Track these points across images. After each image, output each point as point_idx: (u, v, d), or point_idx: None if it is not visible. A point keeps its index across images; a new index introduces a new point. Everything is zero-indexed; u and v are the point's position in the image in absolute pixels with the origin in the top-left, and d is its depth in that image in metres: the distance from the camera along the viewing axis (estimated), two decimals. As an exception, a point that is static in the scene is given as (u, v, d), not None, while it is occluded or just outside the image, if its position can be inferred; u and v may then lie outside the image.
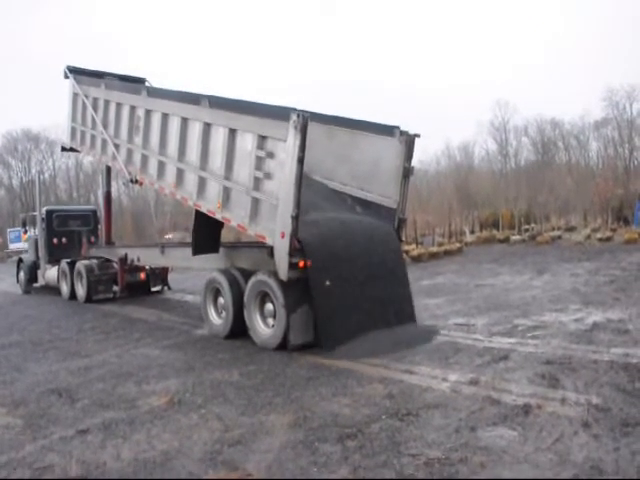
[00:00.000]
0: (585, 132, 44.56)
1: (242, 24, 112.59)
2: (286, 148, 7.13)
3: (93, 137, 12.95)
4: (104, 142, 12.32)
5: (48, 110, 64.86)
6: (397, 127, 8.84)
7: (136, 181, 11.16)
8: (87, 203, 45.07)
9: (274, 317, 7.83)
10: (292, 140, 7.02)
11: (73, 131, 13.96)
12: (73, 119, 13.82)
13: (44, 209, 16.84)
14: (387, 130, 8.94)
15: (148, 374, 6.84)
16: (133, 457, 4.36)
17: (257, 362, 7.13)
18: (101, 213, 16.97)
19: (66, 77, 13.58)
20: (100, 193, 20.73)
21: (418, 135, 8.76)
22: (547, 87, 76.51)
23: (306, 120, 6.97)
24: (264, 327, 8.10)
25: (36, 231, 17.02)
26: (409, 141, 8.72)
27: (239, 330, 8.46)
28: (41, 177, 43.53)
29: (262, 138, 7.59)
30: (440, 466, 3.87)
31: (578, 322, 8.31)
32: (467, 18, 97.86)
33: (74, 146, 14.24)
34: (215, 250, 9.50)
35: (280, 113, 7.30)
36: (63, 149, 15.39)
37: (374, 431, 4.58)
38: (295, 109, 7.19)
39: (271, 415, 5.14)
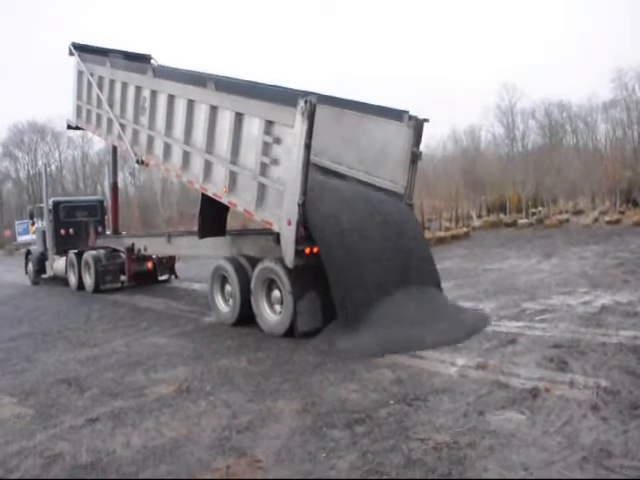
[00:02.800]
0: (593, 114, 44.20)
1: (240, 20, 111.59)
2: (293, 134, 7.08)
3: (99, 116, 12.88)
4: (110, 121, 12.24)
5: (53, 101, 64.91)
6: (406, 112, 8.77)
7: (142, 162, 11.13)
8: (94, 194, 45.12)
9: (281, 304, 7.83)
10: (299, 126, 6.96)
11: (78, 109, 13.88)
12: (78, 97, 13.72)
13: (51, 200, 16.86)
14: (396, 114, 8.87)
15: (156, 362, 6.88)
16: (142, 445, 4.39)
17: (265, 349, 7.16)
18: (108, 203, 17.00)
19: (71, 54, 13.47)
20: (106, 184, 20.74)
21: (427, 120, 8.68)
22: (554, 69, 75.70)
23: (314, 107, 6.90)
24: (271, 314, 8.11)
25: (43, 223, 17.09)
26: (418, 126, 8.64)
27: (246, 317, 8.48)
28: (48, 169, 43.53)
29: (269, 123, 7.54)
30: (448, 450, 3.87)
31: (586, 305, 8.27)
32: (472, 1, 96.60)
33: (80, 124, 14.16)
34: (221, 233, 9.52)
35: (287, 98, 7.24)
36: (69, 127, 15.19)
37: (382, 416, 4.59)
38: (303, 93, 7.13)
39: (279, 401, 5.15)
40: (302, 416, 4.74)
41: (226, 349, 7.36)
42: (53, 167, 53.65)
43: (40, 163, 51.42)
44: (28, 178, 54.30)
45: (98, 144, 52.30)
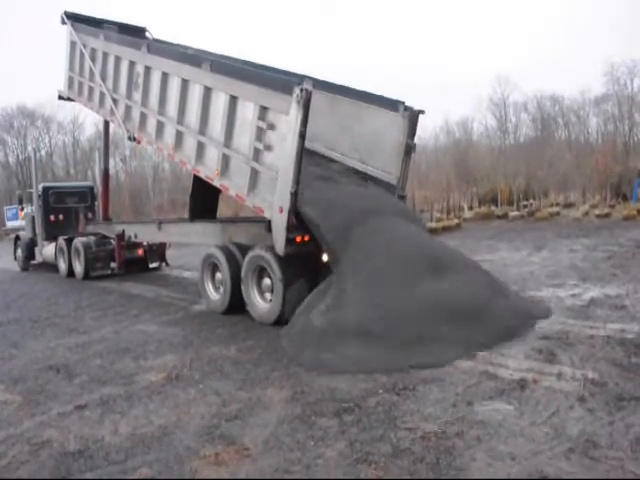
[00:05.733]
0: (585, 108, 44.22)
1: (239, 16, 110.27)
2: (288, 121, 7.04)
3: (91, 89, 12.69)
4: (102, 95, 12.07)
5: (43, 85, 64.15)
6: (402, 102, 8.75)
7: (134, 139, 11.03)
8: (84, 180, 44.67)
9: (271, 292, 7.83)
10: (294, 114, 6.92)
11: (70, 80, 13.65)
12: (71, 68, 13.48)
13: (40, 186, 16.68)
14: (391, 104, 8.85)
15: (146, 350, 6.87)
16: (131, 432, 4.38)
17: (255, 337, 7.15)
18: (98, 189, 16.86)
19: (63, 23, 13.21)
20: (97, 170, 20.57)
21: (422, 111, 8.66)
22: (548, 62, 75.77)
23: (309, 95, 6.84)
24: (262, 302, 8.11)
25: (33, 208, 16.92)
26: (413, 117, 8.62)
27: (237, 305, 8.47)
28: (37, 154, 43.01)
29: (263, 109, 7.49)
30: (436, 440, 3.89)
31: (575, 298, 8.32)
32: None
33: (71, 96, 13.93)
34: (212, 216, 9.49)
35: (283, 85, 7.19)
36: (60, 98, 14.81)
37: (371, 405, 4.60)
38: (299, 80, 7.08)
39: (268, 390, 5.16)
40: (291, 405, 4.75)
41: (216, 337, 7.35)
42: (43, 152, 52.77)
43: (30, 148, 50.72)
44: (17, 163, 53.51)
45: (89, 130, 51.88)
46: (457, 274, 6.89)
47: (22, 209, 18.23)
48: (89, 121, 50.42)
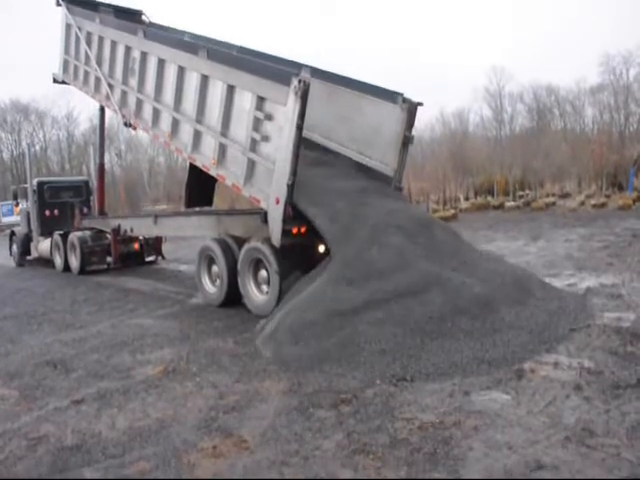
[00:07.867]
0: (581, 98, 44.21)
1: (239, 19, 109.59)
2: (285, 112, 6.99)
3: (86, 73, 12.54)
4: (98, 80, 11.93)
5: (37, 80, 63.77)
6: (400, 94, 8.69)
7: (130, 125, 10.95)
8: (79, 174, 44.44)
9: (268, 284, 7.82)
10: (292, 105, 6.86)
11: (66, 64, 13.48)
12: (66, 51, 13.30)
13: (35, 181, 16.57)
14: (389, 96, 8.79)
15: (142, 344, 6.86)
16: (128, 426, 4.38)
17: (251, 329, 7.14)
18: (93, 184, 16.77)
19: (58, 4, 13.00)
20: (92, 164, 20.43)
21: (421, 104, 8.61)
22: (544, 53, 75.61)
23: (307, 86, 6.78)
24: (258, 294, 8.10)
25: (28, 203, 16.81)
26: (411, 109, 8.56)
27: (233, 298, 8.47)
28: (32, 149, 42.67)
29: (261, 99, 7.43)
30: (434, 430, 3.90)
31: (572, 287, 8.32)
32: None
33: (66, 80, 13.75)
34: (209, 204, 9.44)
35: (281, 76, 7.12)
36: (55, 81, 14.46)
37: (368, 396, 4.61)
38: (297, 70, 7.00)
39: (266, 382, 5.16)
40: (288, 396, 4.76)
41: (213, 330, 7.34)
42: (37, 147, 52.61)
43: (24, 143, 50.41)
44: (12, 158, 53.27)
45: (84, 124, 51.59)
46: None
47: (17, 205, 18.13)
48: (84, 116, 50.32)
